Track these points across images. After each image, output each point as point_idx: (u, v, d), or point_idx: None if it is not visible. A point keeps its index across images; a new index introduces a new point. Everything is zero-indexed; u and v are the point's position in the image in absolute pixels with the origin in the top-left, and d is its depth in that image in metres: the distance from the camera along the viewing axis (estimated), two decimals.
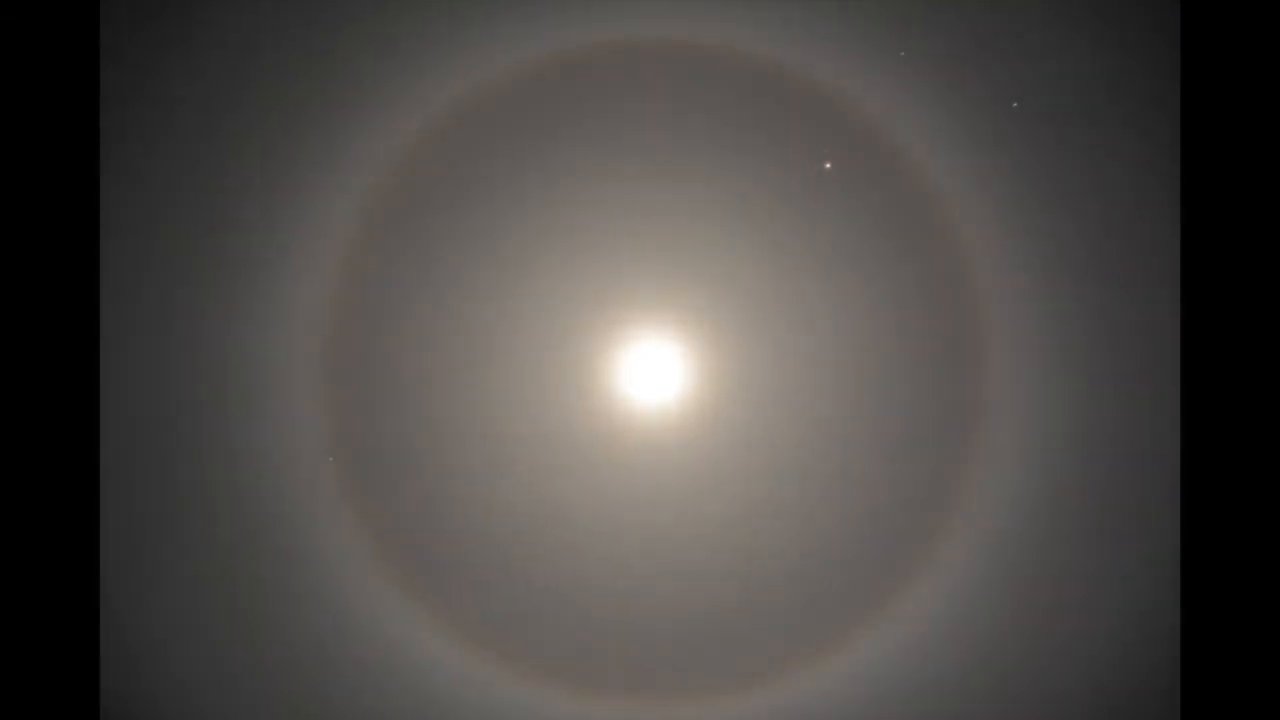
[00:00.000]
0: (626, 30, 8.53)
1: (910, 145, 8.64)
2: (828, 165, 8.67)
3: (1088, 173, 8.43)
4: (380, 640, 8.71)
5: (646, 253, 8.82)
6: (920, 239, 8.78)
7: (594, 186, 8.72)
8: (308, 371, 8.75)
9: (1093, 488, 8.54)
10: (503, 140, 8.74)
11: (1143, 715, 8.27)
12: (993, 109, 8.47)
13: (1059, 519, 8.59)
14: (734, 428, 8.92)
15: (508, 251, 8.75)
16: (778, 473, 8.89)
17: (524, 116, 8.70)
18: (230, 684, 8.51)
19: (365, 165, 8.64)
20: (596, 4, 8.46)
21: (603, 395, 8.95)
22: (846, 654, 8.73)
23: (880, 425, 8.82)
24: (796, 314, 8.84)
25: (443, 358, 8.82)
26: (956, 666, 8.62)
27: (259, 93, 8.38)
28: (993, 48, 8.38)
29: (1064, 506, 8.58)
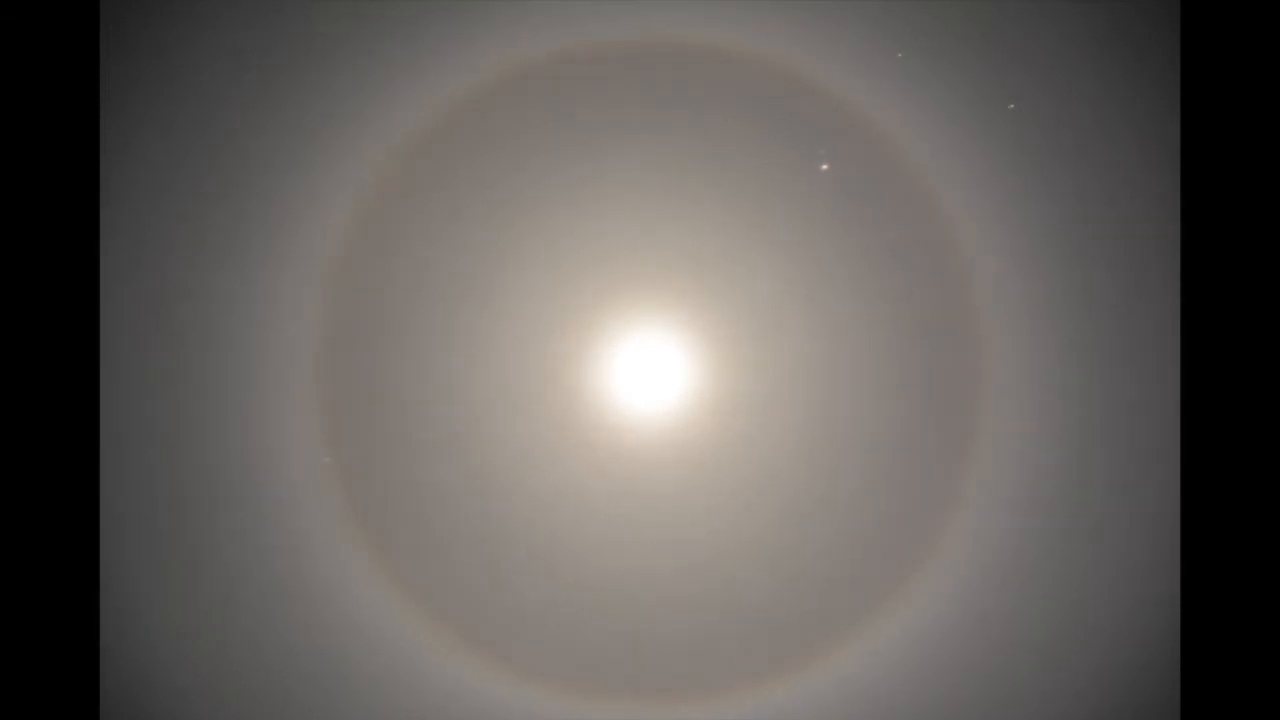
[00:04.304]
0: (625, 31, 8.54)
1: (908, 146, 8.65)
2: (825, 166, 8.69)
3: (1086, 174, 8.45)
4: (379, 640, 8.70)
5: (644, 254, 8.83)
6: (918, 240, 8.79)
7: (592, 187, 8.72)
8: (305, 372, 8.74)
9: (1093, 490, 8.56)
10: (501, 140, 8.74)
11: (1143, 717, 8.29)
12: (990, 110, 8.49)
13: (1059, 521, 8.60)
14: (732, 430, 8.92)
15: (507, 253, 8.75)
16: (775, 475, 8.89)
17: (521, 115, 8.71)
18: (229, 684, 8.50)
19: (362, 164, 8.64)
20: (596, 5, 8.46)
21: (601, 397, 8.95)
22: (847, 657, 8.73)
23: (879, 426, 8.83)
24: (792, 315, 8.85)
25: (443, 358, 8.82)
26: (956, 668, 8.63)
27: (257, 90, 8.38)
28: (991, 49, 8.40)
29: (1064, 508, 8.60)
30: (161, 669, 8.40)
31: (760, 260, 8.84)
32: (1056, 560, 8.60)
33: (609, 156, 8.70)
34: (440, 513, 8.89)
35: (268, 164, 8.51)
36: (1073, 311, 8.54)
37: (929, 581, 8.75)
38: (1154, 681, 8.18)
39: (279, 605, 8.60)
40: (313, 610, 8.65)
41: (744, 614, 8.88)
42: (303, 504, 8.71)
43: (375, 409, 8.86)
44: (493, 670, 8.80)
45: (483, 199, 8.74)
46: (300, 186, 8.60)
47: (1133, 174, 8.33)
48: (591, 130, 8.70)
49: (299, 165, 8.55)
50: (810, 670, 8.78)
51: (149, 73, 8.20)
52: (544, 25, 8.44)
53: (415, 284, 8.82)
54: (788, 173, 8.72)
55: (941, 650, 8.66)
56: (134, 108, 8.18)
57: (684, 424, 8.97)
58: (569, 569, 8.87)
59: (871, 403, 8.85)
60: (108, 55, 7.81)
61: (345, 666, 8.66)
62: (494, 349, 8.82)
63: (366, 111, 8.55)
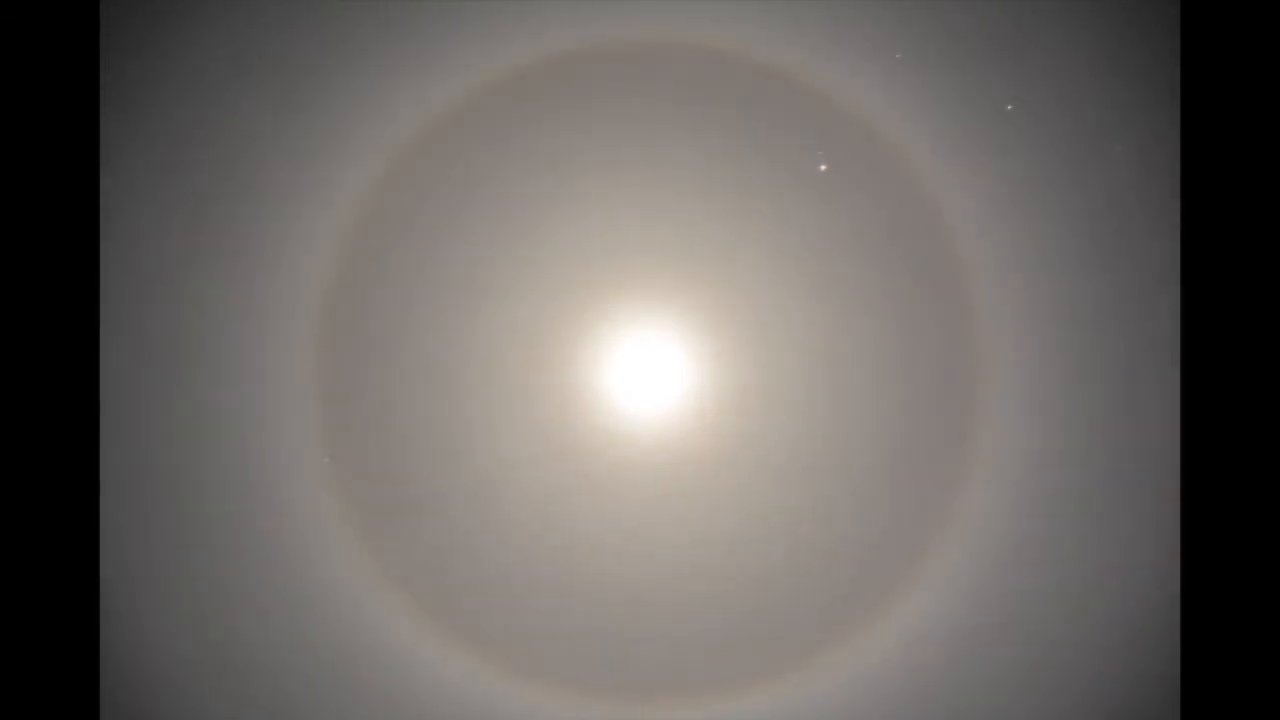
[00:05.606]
0: (626, 31, 8.55)
1: (907, 147, 8.66)
2: (824, 167, 8.69)
3: (1085, 175, 8.45)
4: (378, 641, 8.70)
5: (643, 254, 8.83)
6: (917, 240, 8.79)
7: (591, 187, 8.73)
8: (304, 372, 8.74)
9: (1094, 490, 8.56)
10: (500, 140, 8.74)
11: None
12: (989, 111, 8.49)
13: (1059, 520, 8.60)
14: (732, 430, 8.92)
15: (507, 253, 8.75)
16: (774, 475, 8.89)
17: (520, 115, 8.71)
18: (229, 685, 8.49)
19: (360, 164, 8.64)
20: (597, 5, 8.47)
21: (601, 397, 8.96)
22: (848, 657, 8.73)
23: (880, 426, 8.83)
24: (790, 316, 8.85)
25: (442, 359, 8.82)
26: (955, 668, 8.63)
27: (258, 88, 8.38)
28: (990, 49, 8.40)
29: (1065, 508, 8.60)
30: (161, 669, 8.39)
31: (760, 260, 8.85)
32: (1057, 560, 8.60)
33: (608, 156, 8.70)
34: (441, 513, 8.88)
35: (267, 164, 8.51)
36: (1073, 310, 8.55)
37: (929, 581, 8.75)
38: (1154, 681, 8.18)
39: (279, 606, 8.60)
40: (313, 611, 8.64)
41: (746, 614, 8.89)
42: (302, 505, 8.71)
43: (375, 410, 8.86)
44: (493, 671, 8.80)
45: (481, 199, 8.74)
46: (299, 187, 8.60)
47: (1132, 174, 8.33)
48: (591, 130, 8.71)
49: (298, 165, 8.55)
50: (811, 670, 8.78)
51: (149, 73, 8.20)
52: (543, 25, 8.45)
53: (415, 283, 8.82)
54: (787, 173, 8.73)
55: (941, 650, 8.66)
56: (134, 108, 8.18)
57: (684, 424, 8.97)
58: (569, 569, 8.87)
59: (872, 402, 8.85)
60: (108, 55, 7.81)
61: (345, 667, 8.65)
62: (493, 349, 8.82)
63: (365, 111, 8.55)
